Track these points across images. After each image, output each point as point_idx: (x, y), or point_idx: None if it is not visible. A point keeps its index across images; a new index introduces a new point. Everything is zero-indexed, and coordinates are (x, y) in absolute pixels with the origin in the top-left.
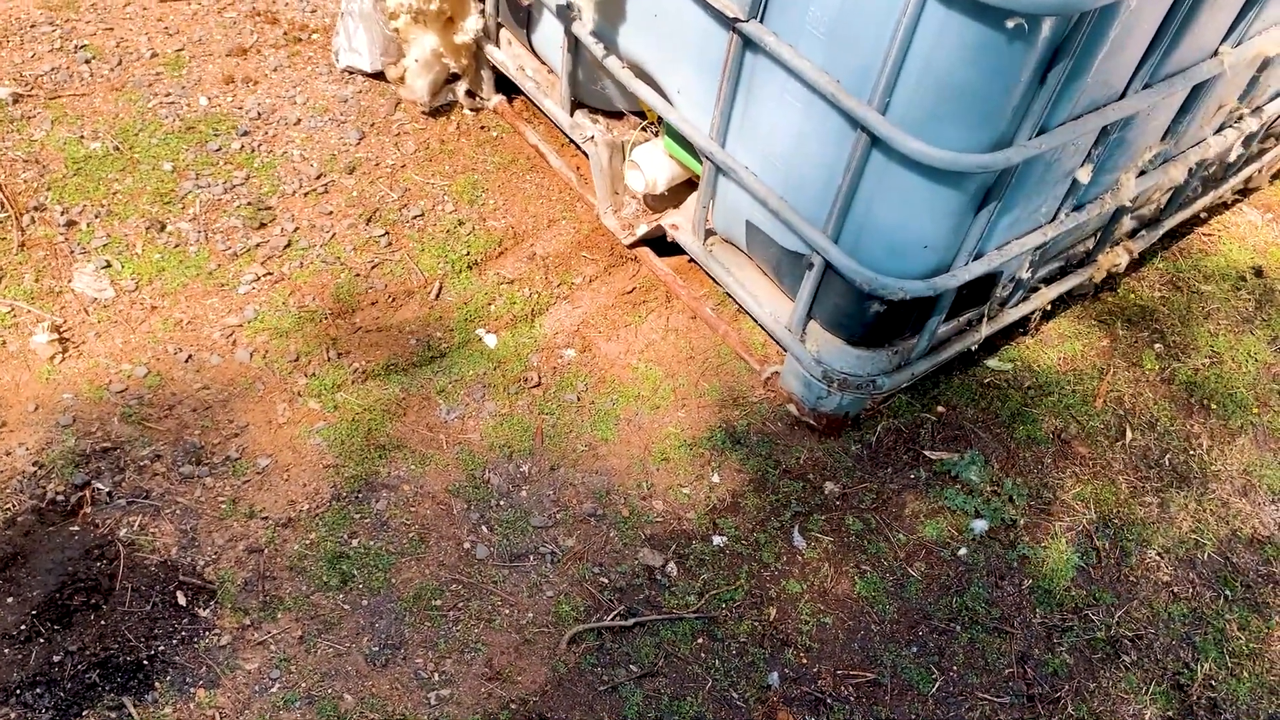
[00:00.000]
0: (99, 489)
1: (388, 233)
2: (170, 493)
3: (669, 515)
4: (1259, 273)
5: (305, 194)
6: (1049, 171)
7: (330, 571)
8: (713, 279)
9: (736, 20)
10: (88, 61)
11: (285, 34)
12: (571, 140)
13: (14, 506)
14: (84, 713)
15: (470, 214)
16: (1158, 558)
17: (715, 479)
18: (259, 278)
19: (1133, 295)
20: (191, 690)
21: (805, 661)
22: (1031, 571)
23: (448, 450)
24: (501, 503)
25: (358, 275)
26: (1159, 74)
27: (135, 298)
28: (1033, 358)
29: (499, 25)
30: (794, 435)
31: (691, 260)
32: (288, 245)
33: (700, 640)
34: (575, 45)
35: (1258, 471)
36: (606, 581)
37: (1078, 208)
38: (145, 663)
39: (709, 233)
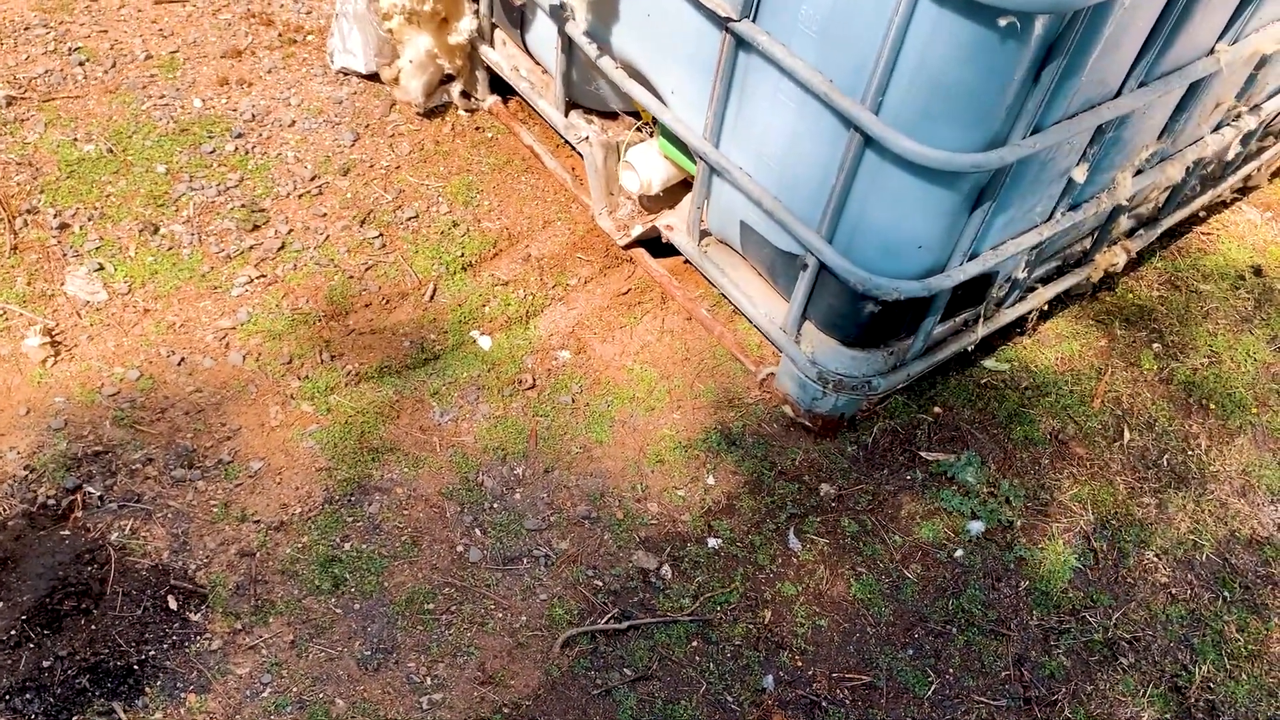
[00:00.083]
0: (90, 493)
1: (382, 234)
2: (162, 496)
3: (664, 517)
4: (1258, 271)
5: (299, 196)
6: (1044, 171)
7: (322, 575)
8: (708, 280)
9: (729, 20)
10: (82, 64)
11: (280, 35)
12: (566, 141)
13: (4, 510)
14: (74, 718)
15: (465, 215)
16: (1156, 559)
17: (710, 481)
18: (252, 280)
19: (1131, 295)
20: (182, 695)
21: (800, 664)
22: (1028, 573)
23: (441, 453)
24: (495, 505)
25: (351, 277)
26: (1154, 72)
27: (128, 300)
28: (1030, 358)
29: (493, 26)
30: (789, 437)
31: (687, 261)
32: (281, 247)
33: (695, 643)
34: (569, 46)
35: (1256, 472)
36: (600, 584)
37: (1074, 207)
38: (136, 667)
39: (704, 233)
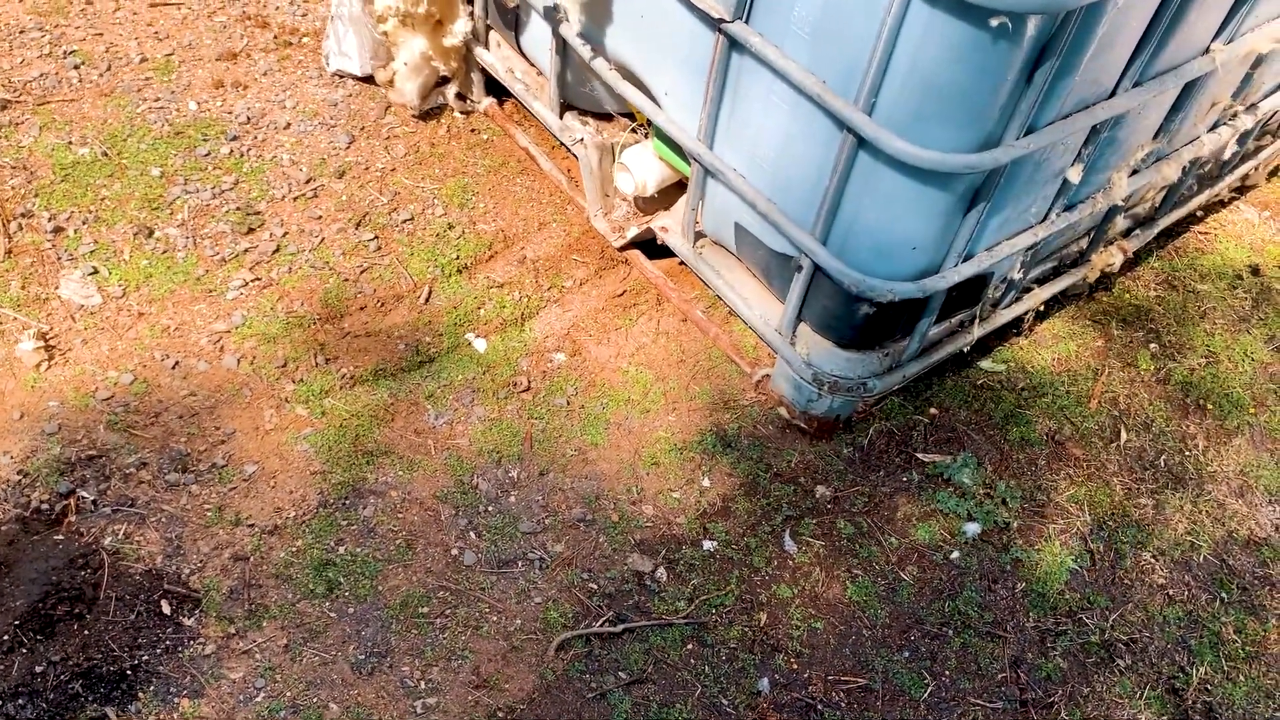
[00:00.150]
0: (84, 497)
1: (377, 237)
2: (156, 500)
3: (659, 520)
4: (1255, 271)
5: (294, 199)
6: (1038, 171)
7: (316, 579)
8: (703, 282)
9: (722, 21)
10: (77, 67)
11: (275, 38)
12: (561, 143)
13: None
14: None
15: (460, 217)
16: (1153, 560)
17: (706, 483)
18: (247, 283)
19: (1128, 295)
20: (175, 700)
21: (796, 667)
22: (1025, 575)
23: (436, 456)
24: (490, 508)
25: (346, 280)
26: (1149, 72)
27: (122, 304)
28: (1026, 359)
29: (488, 28)
30: (785, 438)
31: (682, 263)
32: (276, 250)
33: (690, 646)
34: (563, 47)
35: (1254, 472)
36: (595, 587)
37: (1069, 207)
38: (129, 672)
39: (698, 235)
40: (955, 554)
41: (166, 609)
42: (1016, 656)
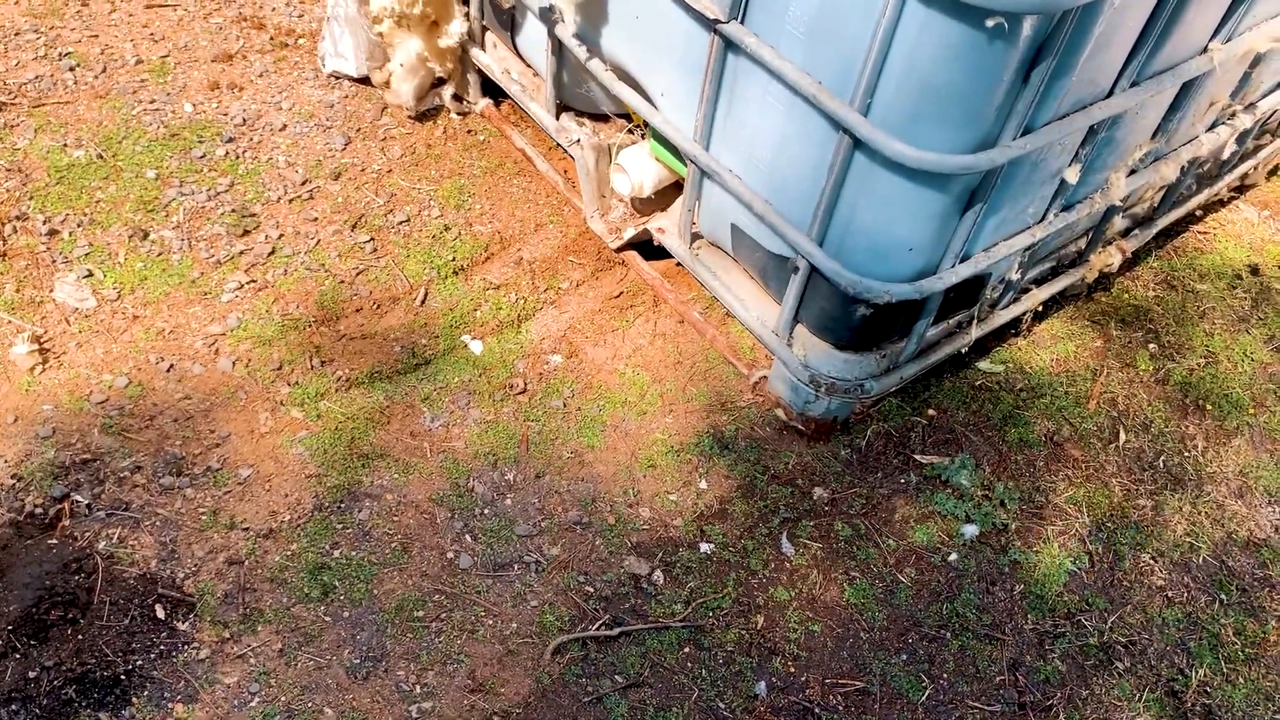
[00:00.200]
0: (78, 501)
1: (373, 239)
2: (150, 504)
3: (656, 522)
4: (1255, 271)
5: (290, 200)
6: (1035, 172)
7: (311, 583)
8: (700, 283)
9: (717, 21)
10: (72, 69)
11: (271, 39)
12: (558, 144)
13: None
14: None
15: (456, 219)
16: (1152, 562)
17: (703, 485)
18: (242, 285)
19: (1126, 295)
20: (169, 705)
21: (793, 670)
22: (1023, 577)
23: (432, 459)
24: (486, 511)
25: (342, 282)
26: (1147, 71)
27: (117, 307)
28: (1025, 359)
29: (484, 28)
30: (782, 440)
31: (679, 264)
32: (272, 252)
33: (687, 649)
34: (559, 48)
35: (1254, 473)
36: (592, 590)
37: (1067, 208)
38: (123, 678)
39: (695, 236)
40: (953, 556)
41: (161, 613)
42: (1015, 659)
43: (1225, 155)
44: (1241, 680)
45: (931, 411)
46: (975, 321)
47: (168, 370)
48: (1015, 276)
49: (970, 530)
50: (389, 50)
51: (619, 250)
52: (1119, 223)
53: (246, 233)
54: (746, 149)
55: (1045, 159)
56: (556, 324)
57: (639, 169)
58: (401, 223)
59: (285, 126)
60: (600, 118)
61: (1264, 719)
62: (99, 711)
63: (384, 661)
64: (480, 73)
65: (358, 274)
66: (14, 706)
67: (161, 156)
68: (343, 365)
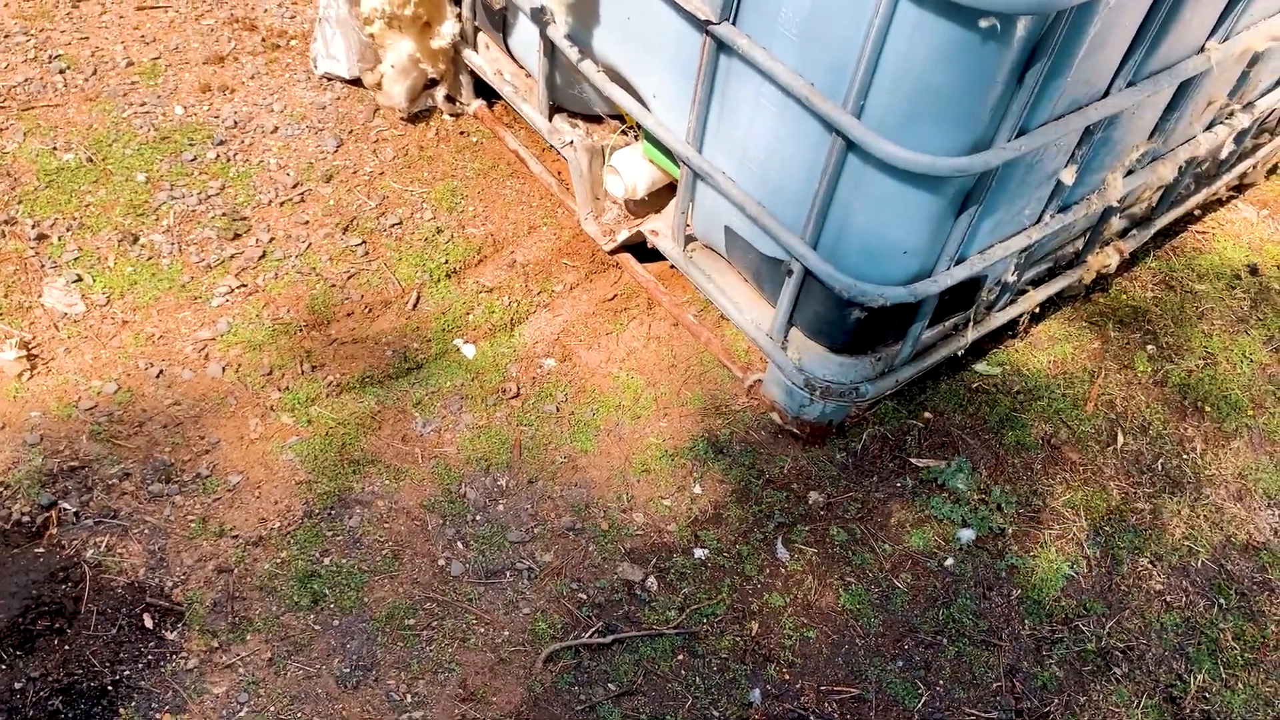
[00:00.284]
0: (65, 509)
1: (365, 242)
2: (139, 512)
3: (649, 528)
4: (1254, 270)
5: (281, 203)
6: (1031, 173)
7: (301, 591)
8: (694, 285)
9: (709, 23)
10: (62, 72)
11: (263, 41)
12: (551, 145)
13: None
14: None
15: (449, 221)
16: (1150, 566)
17: (697, 490)
18: (233, 290)
19: (1124, 296)
20: (157, 716)
21: (788, 677)
22: (1020, 582)
23: (423, 464)
24: (478, 517)
25: (334, 286)
26: (1143, 71)
27: (106, 312)
28: (1022, 361)
29: (475, 29)
30: (778, 444)
31: (673, 266)
32: (263, 256)
33: (680, 657)
34: (551, 49)
35: (1253, 476)
36: (585, 597)
37: (1063, 209)
38: (110, 688)
39: (689, 239)
40: (950, 561)
41: (149, 623)
42: (1012, 665)
43: (1223, 155)
44: (1241, 686)
45: (927, 414)
46: (971, 324)
47: (157, 376)
48: (1012, 278)
49: (967, 534)
50: (381, 52)
51: (613, 253)
52: (1116, 223)
53: (237, 236)
54: (739, 151)
55: (1041, 160)
56: (550, 327)
57: (632, 171)
58: (393, 225)
59: (277, 129)
60: (593, 119)
61: None
62: None
63: (374, 670)
64: (473, 74)
65: (349, 277)
66: (0, 718)
67: (152, 160)
68: (334, 370)
